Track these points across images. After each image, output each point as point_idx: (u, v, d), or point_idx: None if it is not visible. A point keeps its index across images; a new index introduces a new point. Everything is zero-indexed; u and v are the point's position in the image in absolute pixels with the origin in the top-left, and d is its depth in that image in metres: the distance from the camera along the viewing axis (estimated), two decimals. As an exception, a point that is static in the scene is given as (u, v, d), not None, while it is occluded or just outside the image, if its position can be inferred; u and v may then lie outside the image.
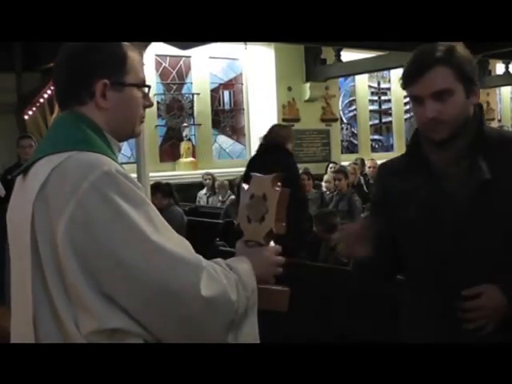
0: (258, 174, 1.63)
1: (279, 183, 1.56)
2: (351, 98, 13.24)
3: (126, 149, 9.71)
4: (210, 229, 6.33)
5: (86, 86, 1.43)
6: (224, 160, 11.54)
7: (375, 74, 13.14)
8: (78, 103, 1.44)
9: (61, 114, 1.49)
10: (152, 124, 10.24)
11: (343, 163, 10.26)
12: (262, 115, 11.44)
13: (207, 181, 9.12)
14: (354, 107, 13.27)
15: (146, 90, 1.53)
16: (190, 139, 10.93)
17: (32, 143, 5.78)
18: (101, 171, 1.30)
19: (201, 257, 1.37)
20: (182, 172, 10.50)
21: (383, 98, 13.85)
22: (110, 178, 1.30)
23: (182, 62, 11.05)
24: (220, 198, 8.63)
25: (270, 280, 1.53)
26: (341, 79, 12.53)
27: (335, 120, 12.29)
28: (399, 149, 12.72)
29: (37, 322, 1.32)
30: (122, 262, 1.26)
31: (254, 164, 5.17)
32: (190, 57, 10.96)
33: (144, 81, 1.52)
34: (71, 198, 1.27)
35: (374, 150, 13.41)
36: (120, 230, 1.27)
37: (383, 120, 13.87)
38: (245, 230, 1.59)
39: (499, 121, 15.33)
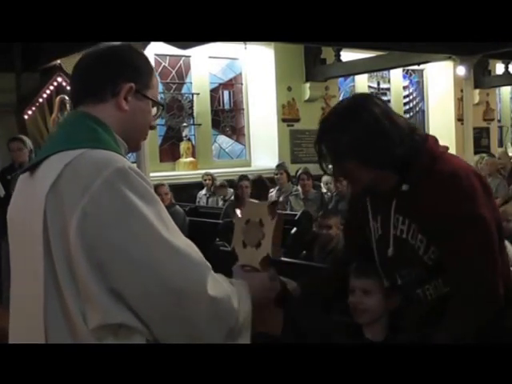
0: (253, 200, 1.66)
1: (275, 209, 1.59)
2: (351, 98, 13.21)
3: (125, 149, 9.69)
4: (209, 229, 6.33)
5: (113, 83, 1.45)
6: (224, 160, 11.53)
7: (375, 74, 13.12)
8: (97, 99, 1.45)
9: (68, 114, 1.50)
10: (151, 123, 10.21)
11: (343, 163, 10.23)
12: (261, 115, 11.43)
13: (207, 181, 9.11)
14: (353, 107, 13.23)
15: (158, 111, 1.57)
16: (189, 139, 10.92)
17: (21, 146, 5.65)
18: (114, 168, 1.31)
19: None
20: (181, 172, 10.49)
21: (383, 98, 13.81)
22: (123, 174, 1.31)
23: (181, 62, 11.04)
24: (222, 196, 8.61)
25: (263, 304, 1.54)
26: (340, 79, 12.51)
27: (335, 120, 12.26)
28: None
29: (46, 316, 1.32)
30: (133, 257, 1.27)
31: None
32: (189, 56, 10.94)
33: (158, 101, 1.56)
34: (85, 193, 1.28)
35: (373, 150, 13.37)
36: (132, 225, 1.28)
37: (383, 120, 13.84)
38: (240, 254, 1.61)
39: (499, 121, 15.32)
